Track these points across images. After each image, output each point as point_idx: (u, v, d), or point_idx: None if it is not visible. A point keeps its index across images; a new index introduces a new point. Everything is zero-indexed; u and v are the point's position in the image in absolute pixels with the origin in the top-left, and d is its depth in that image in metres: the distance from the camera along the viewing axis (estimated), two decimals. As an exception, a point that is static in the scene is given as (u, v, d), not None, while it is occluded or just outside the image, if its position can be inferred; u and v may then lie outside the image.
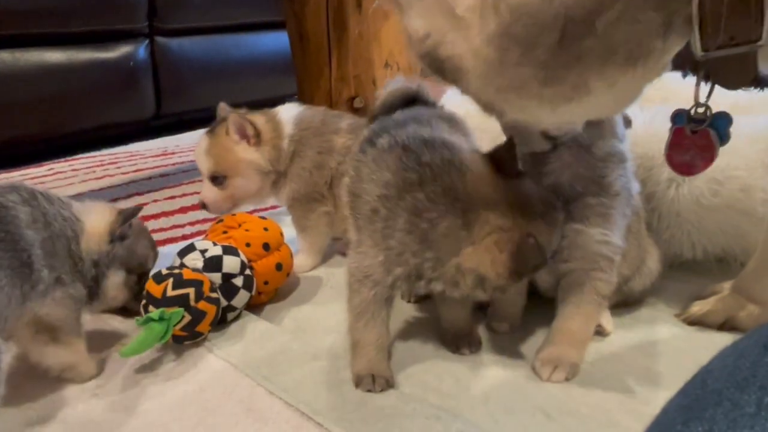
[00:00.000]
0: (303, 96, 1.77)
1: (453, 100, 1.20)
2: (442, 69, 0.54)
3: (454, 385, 0.70)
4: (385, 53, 1.73)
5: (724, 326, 0.78)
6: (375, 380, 0.68)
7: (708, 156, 0.56)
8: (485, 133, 1.08)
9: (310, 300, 0.93)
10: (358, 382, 0.69)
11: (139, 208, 0.80)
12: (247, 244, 0.86)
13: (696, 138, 0.56)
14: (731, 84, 0.53)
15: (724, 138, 0.56)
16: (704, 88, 0.54)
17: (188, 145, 2.16)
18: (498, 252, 0.61)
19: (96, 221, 0.76)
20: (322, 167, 1.02)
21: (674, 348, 0.76)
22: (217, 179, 1.00)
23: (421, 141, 0.67)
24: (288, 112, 1.05)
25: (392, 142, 0.68)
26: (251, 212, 1.06)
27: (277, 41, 2.30)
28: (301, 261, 1.03)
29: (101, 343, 0.81)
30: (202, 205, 1.03)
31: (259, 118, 1.02)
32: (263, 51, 2.42)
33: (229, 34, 2.37)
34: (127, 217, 0.77)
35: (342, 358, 0.75)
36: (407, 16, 0.54)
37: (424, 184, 0.64)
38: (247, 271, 0.84)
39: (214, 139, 1.00)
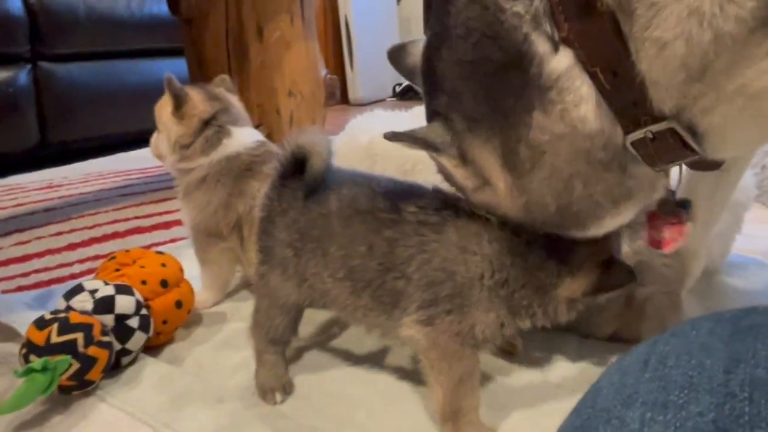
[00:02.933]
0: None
1: (359, 126, 1.22)
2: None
3: None
4: (288, 82, 1.72)
5: None
6: None
7: (679, 230, 0.63)
8: (390, 160, 1.11)
9: (213, 338, 0.88)
10: None
11: None
12: (143, 282, 0.81)
13: (669, 217, 0.63)
14: (700, 170, 0.61)
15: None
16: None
17: (77, 177, 2.02)
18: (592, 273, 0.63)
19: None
20: (229, 209, 0.98)
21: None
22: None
23: None
24: (242, 138, 1.01)
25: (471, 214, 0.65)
26: (147, 247, 1.00)
27: (174, 68, 2.23)
28: (202, 297, 0.98)
29: (-28, 399, 0.72)
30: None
31: (208, 105, 0.99)
32: (160, 78, 2.32)
33: (123, 59, 2.26)
34: None
35: (249, 399, 0.71)
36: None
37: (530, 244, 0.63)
38: (143, 311, 0.78)
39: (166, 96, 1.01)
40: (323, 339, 0.87)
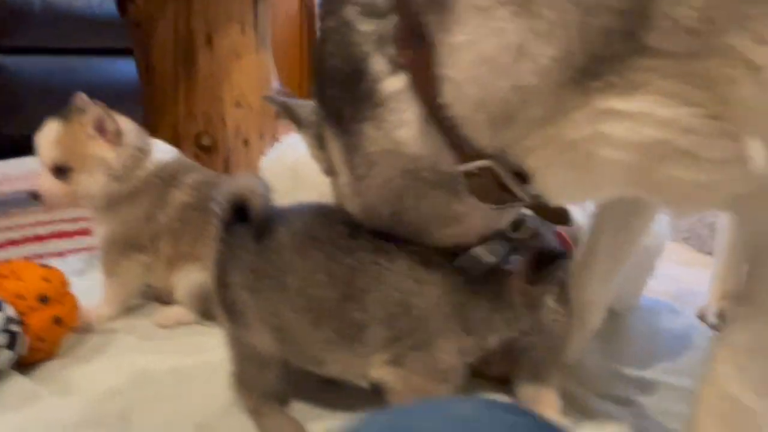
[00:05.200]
0: (149, 129, 1.69)
1: (288, 144, 1.20)
2: None
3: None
4: (236, 92, 1.70)
5: None
6: None
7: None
8: (313, 180, 1.09)
9: (98, 356, 0.85)
10: None
11: None
12: (20, 296, 0.78)
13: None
14: (547, 219, 0.64)
15: None
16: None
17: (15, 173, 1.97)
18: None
19: None
20: (151, 220, 0.95)
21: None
22: (60, 171, 0.92)
23: None
24: (162, 148, 1.00)
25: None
26: (28, 258, 0.97)
27: (128, 68, 2.20)
28: (101, 311, 0.95)
29: None
30: (34, 197, 0.92)
31: (128, 123, 0.96)
32: (116, 78, 2.30)
33: (78, 56, 2.23)
34: None
35: (131, 421, 0.68)
36: None
37: None
38: (13, 327, 0.75)
39: (66, 127, 0.91)
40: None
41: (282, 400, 0.72)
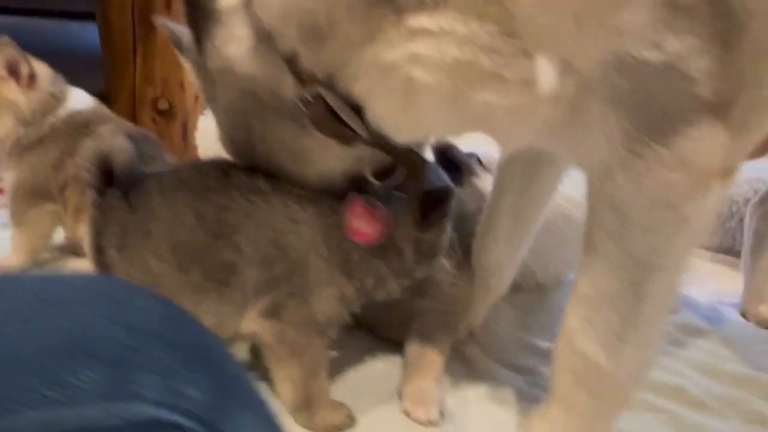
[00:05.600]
0: (107, 93, 1.67)
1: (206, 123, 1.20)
2: None
3: None
4: (195, 58, 1.68)
5: None
6: None
7: (380, 228, 0.60)
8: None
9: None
10: None
11: None
12: None
13: (372, 211, 0.60)
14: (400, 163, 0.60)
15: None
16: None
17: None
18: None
19: None
20: (60, 169, 0.93)
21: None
22: None
23: None
24: (79, 97, 0.98)
25: None
26: None
27: (89, 33, 2.17)
28: (8, 261, 0.93)
29: None
30: None
31: (44, 68, 0.94)
32: (76, 43, 2.25)
33: (35, 18, 2.18)
34: None
35: None
36: None
37: None
38: None
39: None
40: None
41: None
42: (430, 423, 0.63)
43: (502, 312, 0.89)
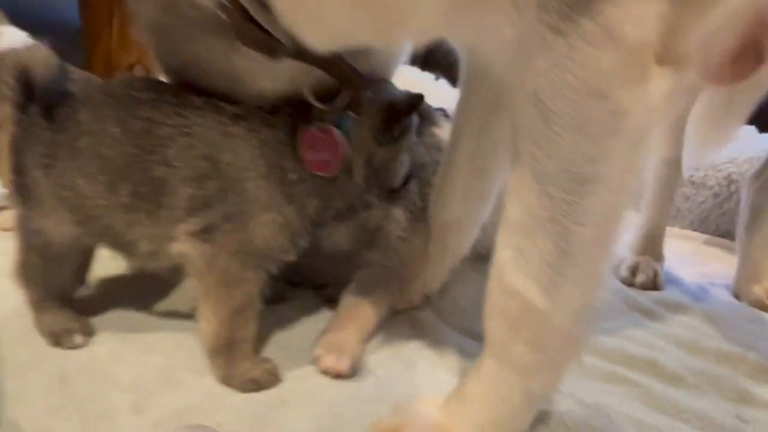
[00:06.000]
0: (84, 59, 1.62)
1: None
2: None
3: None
4: (174, 23, 1.62)
5: None
6: None
7: (337, 153, 0.57)
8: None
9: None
10: None
11: None
12: None
13: (325, 137, 0.56)
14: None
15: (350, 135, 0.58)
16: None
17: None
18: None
19: None
20: None
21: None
22: None
23: None
24: (13, 39, 0.91)
25: None
26: None
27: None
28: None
29: None
30: None
31: None
32: (60, 15, 2.20)
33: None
34: None
35: None
36: None
37: None
38: None
39: None
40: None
41: (68, 296, 0.65)
42: (338, 374, 0.57)
43: (468, 280, 0.81)
